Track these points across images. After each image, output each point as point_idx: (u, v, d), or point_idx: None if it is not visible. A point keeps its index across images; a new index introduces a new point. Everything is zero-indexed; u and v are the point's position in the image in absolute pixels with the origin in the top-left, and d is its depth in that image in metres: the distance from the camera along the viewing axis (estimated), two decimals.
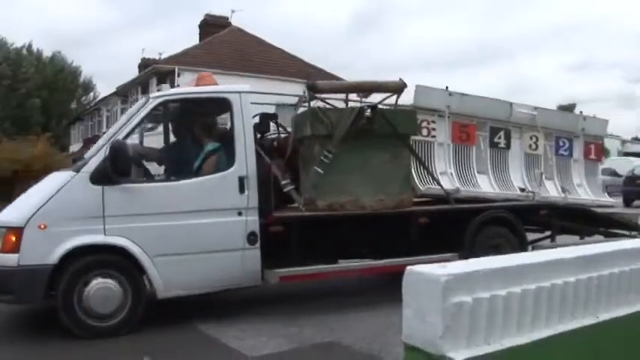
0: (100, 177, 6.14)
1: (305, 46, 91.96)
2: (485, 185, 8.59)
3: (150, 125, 6.92)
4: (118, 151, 6.10)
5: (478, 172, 8.63)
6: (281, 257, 6.89)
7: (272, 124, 8.03)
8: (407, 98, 7.97)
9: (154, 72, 31.26)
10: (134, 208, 6.23)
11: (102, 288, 6.06)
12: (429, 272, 2.67)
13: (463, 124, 8.56)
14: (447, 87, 8.48)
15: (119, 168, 6.11)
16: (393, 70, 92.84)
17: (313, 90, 7.43)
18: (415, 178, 7.96)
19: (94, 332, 6.04)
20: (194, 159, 6.79)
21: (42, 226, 5.92)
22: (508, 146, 8.92)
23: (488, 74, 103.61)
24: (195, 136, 6.98)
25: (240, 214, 6.60)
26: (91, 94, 57.42)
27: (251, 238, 6.62)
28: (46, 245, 5.90)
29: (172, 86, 27.79)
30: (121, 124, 6.66)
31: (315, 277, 7.22)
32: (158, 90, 23.70)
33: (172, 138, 6.88)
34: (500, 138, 8.85)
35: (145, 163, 6.83)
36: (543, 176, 9.18)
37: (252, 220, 6.64)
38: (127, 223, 6.16)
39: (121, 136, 6.39)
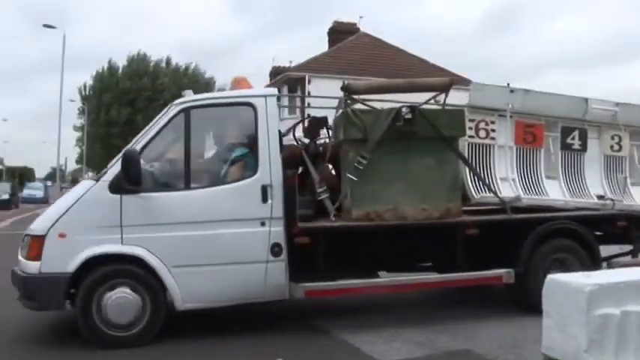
0: (118, 186, 6.02)
1: (436, 49, 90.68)
2: (555, 192, 7.66)
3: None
4: (128, 160, 5.95)
5: (546, 178, 7.71)
6: (309, 271, 6.44)
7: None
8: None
9: (285, 80, 31.79)
10: (152, 217, 6.06)
11: (120, 298, 5.96)
12: (572, 281, 2.64)
13: (529, 124, 7.67)
14: (508, 84, 7.69)
15: (130, 177, 5.94)
16: (531, 68, 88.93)
17: (348, 91, 6.92)
18: (470, 185, 7.21)
19: (113, 342, 5.94)
20: (217, 167, 6.51)
21: (62, 235, 5.92)
22: (584, 148, 7.93)
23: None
24: (219, 142, 6.68)
25: (263, 224, 6.22)
26: None
27: (275, 249, 6.22)
28: (65, 254, 5.89)
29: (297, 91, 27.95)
30: (143, 133, 6.45)
31: (345, 292, 6.70)
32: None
33: (195, 145, 6.54)
34: (574, 139, 7.88)
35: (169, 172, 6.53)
36: (628, 181, 8.09)
37: (277, 231, 6.24)
38: (144, 232, 6.00)
39: (139, 145, 6.21)
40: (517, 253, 6.97)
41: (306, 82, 29.11)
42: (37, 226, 6.13)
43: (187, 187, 6.29)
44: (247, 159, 6.41)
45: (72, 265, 5.86)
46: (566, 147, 7.84)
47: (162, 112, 6.43)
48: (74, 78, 65.92)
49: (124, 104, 43.68)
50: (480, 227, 6.87)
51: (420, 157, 6.77)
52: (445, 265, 7.05)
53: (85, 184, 6.38)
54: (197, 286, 6.10)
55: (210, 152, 6.73)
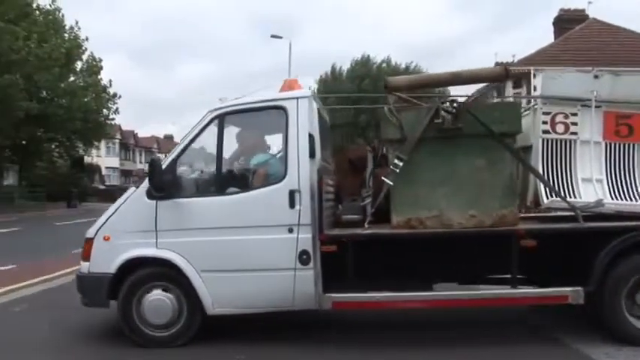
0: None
1: None
2: None
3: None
4: (151, 168, 6.13)
5: None
6: (339, 280, 6.07)
7: None
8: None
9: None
10: (184, 222, 6.16)
11: (157, 300, 6.20)
12: None
13: (622, 114, 6.48)
14: (592, 68, 6.57)
15: (154, 184, 6.11)
16: None
17: (388, 88, 6.37)
18: (541, 188, 6.30)
19: (151, 341, 6.21)
20: (247, 172, 6.42)
21: (106, 238, 6.31)
22: None
23: None
24: (252, 148, 6.58)
25: (290, 230, 5.99)
26: None
27: (303, 257, 5.96)
28: (108, 255, 6.27)
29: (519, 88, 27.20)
30: (182, 140, 6.54)
31: (374, 306, 6.17)
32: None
33: (227, 151, 6.49)
34: None
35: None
36: None
37: (305, 238, 5.97)
38: (176, 237, 6.14)
39: (175, 153, 6.36)
40: (589, 270, 5.91)
41: (532, 76, 27.77)
42: (90, 230, 6.52)
43: (218, 192, 6.30)
44: (271, 163, 6.26)
45: (113, 267, 6.21)
46: None
47: (199, 120, 6.42)
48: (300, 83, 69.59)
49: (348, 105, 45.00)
50: (541, 237, 5.93)
51: (468, 158, 6.05)
52: (501, 280, 6.23)
53: (129, 190, 6.54)
54: (226, 291, 6.09)
55: (242, 158, 6.59)
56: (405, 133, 6.05)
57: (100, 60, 37.09)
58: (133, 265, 6.22)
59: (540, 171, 6.35)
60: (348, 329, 6.82)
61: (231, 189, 6.28)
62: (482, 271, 6.38)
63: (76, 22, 35.40)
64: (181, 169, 6.37)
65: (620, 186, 6.41)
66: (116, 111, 42.07)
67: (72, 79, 35.90)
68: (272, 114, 6.29)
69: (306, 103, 6.20)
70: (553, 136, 6.44)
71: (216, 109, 6.36)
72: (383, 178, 6.14)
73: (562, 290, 5.95)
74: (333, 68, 47.66)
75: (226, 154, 6.39)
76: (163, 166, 6.19)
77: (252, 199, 6.14)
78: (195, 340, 6.25)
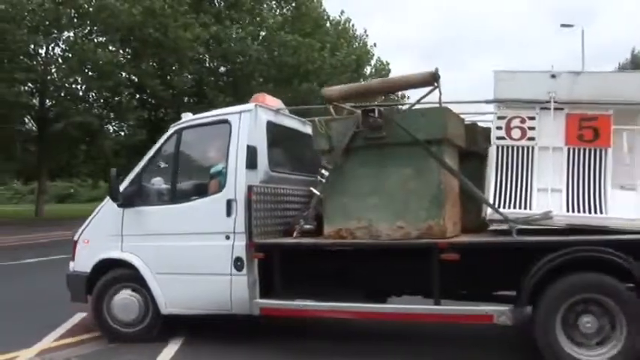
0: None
1: None
2: (624, 208, 5.71)
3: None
4: (110, 178, 6.77)
5: (614, 188, 5.82)
6: (270, 287, 6.21)
7: None
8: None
9: None
10: (143, 228, 6.75)
11: (125, 299, 6.80)
12: None
13: (587, 116, 5.88)
14: (552, 66, 6.03)
15: (111, 193, 6.78)
16: None
17: (325, 99, 6.35)
18: (492, 198, 5.90)
19: (120, 337, 6.79)
20: (197, 183, 6.86)
21: (86, 241, 7.09)
22: None
23: None
24: (203, 159, 7.03)
25: (227, 238, 6.28)
26: None
27: (237, 263, 6.23)
28: (86, 257, 7.02)
29: None
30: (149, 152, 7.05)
31: (302, 314, 6.15)
32: None
33: (182, 163, 6.96)
34: None
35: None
36: None
37: (239, 245, 6.23)
38: (137, 241, 6.75)
39: (140, 164, 6.95)
40: (521, 288, 5.45)
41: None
42: (76, 233, 7.29)
43: (171, 201, 6.77)
44: (222, 174, 6.50)
45: (89, 267, 6.93)
46: None
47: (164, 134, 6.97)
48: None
49: None
50: (466, 251, 5.56)
51: (396, 167, 5.84)
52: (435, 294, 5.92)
53: (106, 198, 7.14)
54: (176, 292, 6.54)
55: (194, 169, 7.08)
56: (333, 143, 5.98)
57: (388, 63, 38.85)
58: (106, 266, 6.89)
59: (494, 180, 5.95)
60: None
61: (183, 198, 6.71)
62: (406, 285, 6.11)
63: (365, 30, 37.65)
64: (145, 179, 6.91)
65: (581, 196, 5.81)
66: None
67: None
68: (220, 128, 6.61)
69: (248, 117, 6.39)
70: (508, 142, 5.99)
71: (177, 124, 6.90)
72: (311, 188, 6.13)
73: (485, 309, 5.54)
74: (634, 55, 45.15)
75: (182, 165, 6.89)
76: (131, 176, 6.88)
77: (196, 207, 6.54)
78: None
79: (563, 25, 33.22)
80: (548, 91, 5.90)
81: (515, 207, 5.83)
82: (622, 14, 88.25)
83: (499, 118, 6.02)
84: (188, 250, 6.39)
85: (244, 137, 6.36)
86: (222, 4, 28.89)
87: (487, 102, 6.14)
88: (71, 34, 25.66)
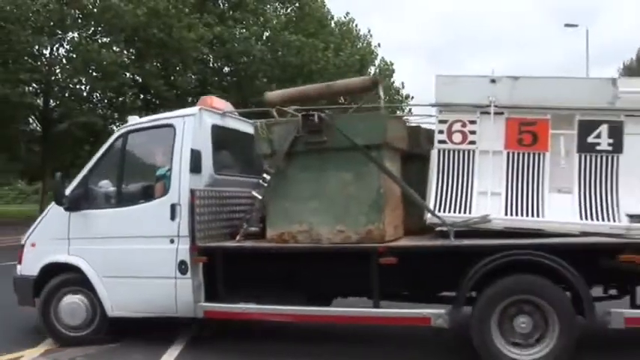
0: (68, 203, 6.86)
1: None
2: (560, 211, 5.77)
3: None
4: (55, 182, 6.81)
5: (554, 192, 5.87)
6: (216, 290, 6.30)
7: None
8: None
9: None
10: (89, 231, 6.77)
11: (72, 303, 6.82)
12: None
13: (526, 121, 5.93)
14: (492, 70, 6.09)
15: (55, 198, 6.86)
16: None
17: (266, 103, 6.43)
18: (432, 202, 5.97)
19: (66, 341, 6.80)
20: (142, 186, 6.87)
21: (33, 244, 7.11)
22: (617, 148, 5.78)
23: None
24: (148, 163, 7.04)
25: (172, 241, 6.36)
26: None
27: (182, 267, 6.29)
28: (33, 260, 7.03)
29: None
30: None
31: (245, 317, 6.23)
32: None
33: (128, 166, 6.99)
34: (599, 137, 5.81)
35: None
36: None
37: (183, 249, 6.30)
38: (83, 244, 6.77)
39: (86, 170, 6.98)
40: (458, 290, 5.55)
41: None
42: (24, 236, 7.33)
43: (116, 204, 6.82)
44: (167, 178, 6.55)
45: (36, 270, 6.95)
46: (587, 149, 5.83)
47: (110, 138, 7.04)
48: (601, 72, 66.88)
49: None
50: (404, 255, 5.63)
51: (336, 172, 5.92)
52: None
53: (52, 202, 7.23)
54: (122, 295, 6.58)
55: (139, 173, 7.08)
56: (274, 147, 6.07)
57: (392, 63, 38.78)
58: (53, 269, 6.90)
59: (435, 184, 6.02)
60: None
61: (129, 201, 6.75)
62: (348, 287, 6.19)
63: (369, 30, 37.65)
64: (91, 183, 6.95)
65: (519, 200, 5.87)
66: (409, 111, 43.60)
67: None
68: (165, 132, 6.66)
69: (192, 121, 6.46)
70: (449, 146, 6.06)
71: (123, 128, 6.98)
72: (253, 192, 6.22)
73: (423, 312, 5.63)
74: (638, 54, 45.00)
75: (127, 169, 6.92)
76: (78, 180, 6.90)
77: (142, 211, 6.58)
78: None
79: (567, 25, 32.84)
80: (488, 96, 5.95)
81: (455, 210, 5.90)
82: (625, 14, 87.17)
83: (440, 122, 6.09)
84: (134, 254, 6.41)
85: (188, 141, 6.42)
86: (226, 4, 29.04)
87: (429, 106, 6.19)
88: (75, 34, 25.86)
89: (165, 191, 6.47)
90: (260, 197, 6.19)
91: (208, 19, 25.34)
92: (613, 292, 6.06)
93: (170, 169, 6.46)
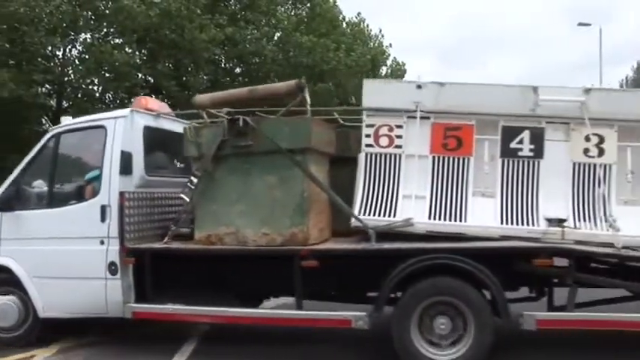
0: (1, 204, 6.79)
1: None
2: (482, 215, 5.87)
3: None
4: None
5: (478, 196, 5.98)
6: (143, 291, 6.32)
7: None
8: None
9: None
10: (20, 232, 6.71)
11: (3, 304, 6.76)
12: None
13: (451, 125, 6.03)
14: (419, 76, 6.16)
15: None
16: None
17: (195, 106, 6.44)
18: (358, 205, 6.03)
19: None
20: (74, 187, 6.84)
21: None
22: (538, 154, 5.91)
23: None
24: (80, 164, 7.03)
25: (102, 243, 6.35)
26: None
27: (112, 268, 6.30)
28: None
29: None
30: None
31: (172, 318, 6.24)
32: None
33: (60, 167, 6.92)
34: (521, 142, 5.93)
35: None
36: (613, 199, 5.78)
37: (113, 250, 6.30)
38: (14, 245, 6.73)
39: (17, 170, 6.89)
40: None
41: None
42: None
43: (48, 205, 6.74)
44: (98, 180, 6.51)
45: None
46: (510, 154, 5.95)
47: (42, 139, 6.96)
48: (614, 72, 66.66)
49: None
50: (326, 258, 5.70)
51: (262, 175, 5.95)
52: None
53: None
54: (53, 296, 6.54)
55: (71, 174, 7.03)
56: (202, 150, 6.08)
57: (404, 64, 38.53)
58: None
59: (362, 187, 6.09)
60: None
61: (60, 202, 6.69)
62: (275, 288, 6.29)
63: (380, 30, 37.41)
64: (23, 183, 6.88)
65: (443, 204, 5.97)
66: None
67: None
68: (96, 133, 6.60)
69: (123, 123, 6.45)
70: (376, 149, 6.13)
71: (55, 128, 6.89)
72: (181, 194, 6.23)
73: (343, 314, 5.72)
74: None
75: (59, 170, 6.85)
76: (9, 180, 6.81)
77: (73, 212, 6.54)
78: None
79: (580, 24, 32.70)
80: (414, 101, 6.02)
81: (381, 214, 5.99)
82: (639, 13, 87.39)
83: (368, 126, 6.16)
84: (65, 255, 6.39)
85: (119, 143, 6.40)
86: (238, 5, 28.83)
87: (356, 109, 6.24)
88: (88, 35, 25.55)
89: (95, 193, 6.45)
90: (187, 199, 6.18)
91: (220, 20, 25.20)
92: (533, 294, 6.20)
93: (101, 171, 6.42)
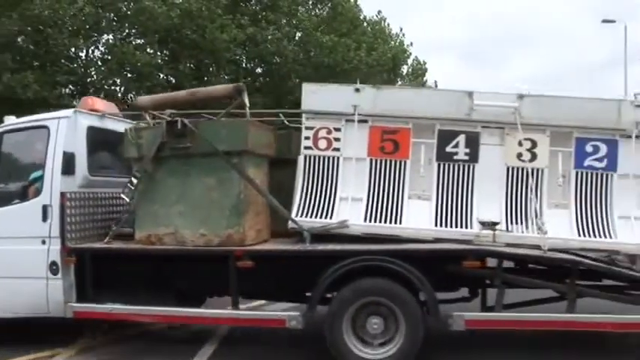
0: None
1: None
2: (417, 218, 5.97)
3: None
4: None
5: (414, 198, 6.06)
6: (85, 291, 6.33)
7: None
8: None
9: None
10: None
11: None
12: None
13: (389, 129, 6.11)
14: (358, 81, 6.25)
15: None
16: None
17: (136, 107, 6.49)
18: (297, 206, 6.10)
19: None
20: (16, 187, 6.77)
21: None
22: (473, 158, 6.00)
23: None
24: (24, 164, 6.96)
25: (43, 242, 6.37)
26: None
27: (53, 267, 6.33)
28: None
29: None
30: None
31: (113, 317, 6.27)
32: None
33: (3, 167, 6.92)
34: (457, 146, 6.02)
35: None
36: (544, 203, 5.88)
37: (54, 250, 6.33)
38: None
39: None
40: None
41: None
42: None
43: None
44: (41, 180, 6.53)
45: None
46: (445, 157, 6.04)
47: None
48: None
49: None
50: (260, 259, 5.78)
51: (200, 177, 6.01)
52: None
53: None
54: None
55: (14, 173, 6.97)
56: (142, 151, 6.13)
57: (425, 63, 38.40)
58: None
59: (300, 189, 6.16)
60: None
61: (1, 202, 6.66)
62: (214, 288, 6.35)
63: (401, 29, 37.21)
64: None
65: (380, 206, 6.05)
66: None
67: (399, 83, 37.62)
68: (40, 133, 6.61)
69: (66, 123, 6.47)
70: (315, 152, 6.21)
71: None
72: (121, 194, 6.28)
73: (278, 314, 5.83)
74: None
75: (2, 169, 6.85)
76: None
77: (15, 211, 6.54)
78: None
79: (604, 21, 32.57)
80: (352, 104, 6.09)
81: (318, 215, 6.07)
82: None
83: (307, 128, 6.24)
84: (6, 254, 6.38)
85: (61, 143, 6.42)
86: (259, 5, 28.85)
87: (295, 112, 6.31)
88: (110, 37, 25.66)
89: (38, 193, 6.46)
90: (127, 199, 6.23)
91: (241, 20, 25.21)
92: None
93: (43, 171, 6.45)
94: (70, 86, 24.92)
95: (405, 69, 36.23)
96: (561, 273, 5.76)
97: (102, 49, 25.71)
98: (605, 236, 5.75)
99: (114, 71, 23.93)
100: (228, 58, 25.45)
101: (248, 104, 6.11)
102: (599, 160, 5.88)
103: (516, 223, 5.86)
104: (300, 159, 6.20)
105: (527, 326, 5.55)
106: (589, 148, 5.90)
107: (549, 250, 5.57)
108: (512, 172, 5.96)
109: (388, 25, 35.10)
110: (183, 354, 6.22)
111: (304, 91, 6.27)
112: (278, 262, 5.93)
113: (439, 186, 6.04)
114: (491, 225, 5.81)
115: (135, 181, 6.16)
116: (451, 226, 5.89)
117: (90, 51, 25.53)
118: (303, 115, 6.26)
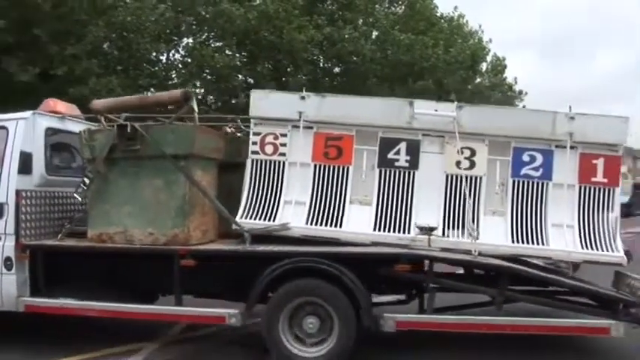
0: None
1: None
2: (358, 222, 6.14)
3: None
4: None
5: (355, 203, 6.23)
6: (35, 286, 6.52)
7: None
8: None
9: None
10: None
11: None
12: None
13: (332, 135, 6.29)
14: (304, 89, 6.44)
15: None
16: None
17: (91, 111, 6.70)
18: (243, 209, 6.30)
19: None
20: None
21: None
22: (414, 165, 6.16)
23: None
24: None
25: None
26: None
27: (7, 263, 6.50)
28: None
29: None
30: None
31: (65, 312, 6.41)
32: None
33: None
34: (398, 153, 6.19)
35: None
36: (482, 209, 6.03)
37: (9, 246, 6.50)
38: None
39: None
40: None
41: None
42: None
43: None
44: None
45: None
46: (387, 164, 6.21)
47: None
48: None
49: None
50: (203, 258, 5.97)
51: (149, 178, 6.20)
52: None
53: None
54: None
55: None
56: (95, 153, 6.34)
57: (504, 59, 38.02)
58: None
59: (246, 192, 6.36)
60: None
61: None
62: (163, 286, 6.51)
63: (479, 26, 37.16)
64: None
65: (321, 210, 6.22)
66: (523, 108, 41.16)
67: (478, 80, 37.68)
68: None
69: (24, 124, 6.68)
70: (261, 157, 6.41)
71: None
72: (74, 194, 6.48)
73: (218, 311, 5.99)
74: None
75: None
76: None
77: None
78: None
79: None
80: (298, 111, 6.28)
81: (262, 217, 6.26)
82: None
83: (254, 134, 6.44)
84: None
85: (19, 143, 6.64)
86: (335, 5, 29.05)
87: (243, 118, 6.49)
88: (190, 40, 26.20)
89: None
90: (80, 199, 6.43)
91: (318, 20, 25.47)
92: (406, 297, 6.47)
93: (1, 170, 6.67)
94: (152, 89, 25.40)
95: (484, 66, 35.96)
96: (496, 278, 5.89)
97: (182, 52, 26.33)
98: (538, 243, 5.89)
99: (194, 74, 24.42)
100: (306, 58, 25.62)
101: (197, 110, 6.29)
102: (536, 169, 6.03)
103: (453, 228, 6.01)
104: (248, 163, 6.39)
105: (454, 328, 5.70)
106: (526, 158, 6.04)
107: (480, 255, 5.71)
108: (451, 180, 6.11)
109: (467, 22, 34.72)
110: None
111: (252, 97, 6.48)
112: (220, 262, 6.11)
113: (380, 191, 6.20)
114: (429, 230, 5.95)
115: (87, 181, 6.36)
116: (389, 231, 6.05)
117: (170, 54, 26.13)
118: (251, 120, 6.45)
